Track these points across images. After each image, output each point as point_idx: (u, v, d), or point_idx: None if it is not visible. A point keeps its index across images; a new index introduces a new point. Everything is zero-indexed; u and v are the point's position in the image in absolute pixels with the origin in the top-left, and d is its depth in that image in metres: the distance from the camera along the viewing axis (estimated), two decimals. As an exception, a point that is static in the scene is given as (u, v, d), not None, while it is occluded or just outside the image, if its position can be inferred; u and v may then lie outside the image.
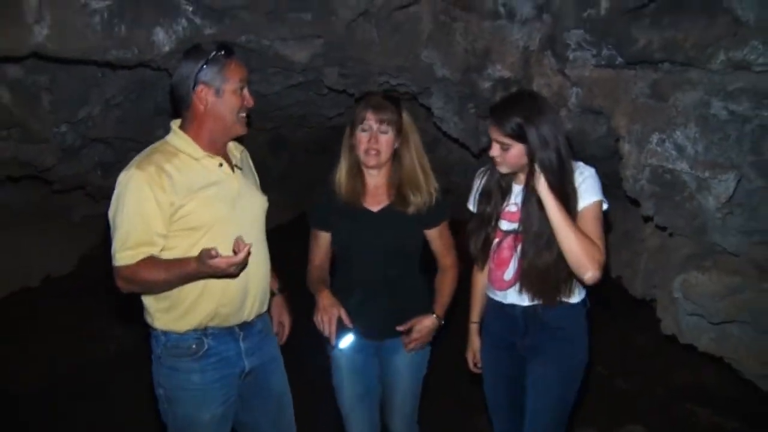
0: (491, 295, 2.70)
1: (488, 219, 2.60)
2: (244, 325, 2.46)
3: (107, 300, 5.24)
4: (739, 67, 2.63)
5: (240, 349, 2.45)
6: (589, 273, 2.32)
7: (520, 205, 2.52)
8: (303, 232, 2.85)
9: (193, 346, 2.35)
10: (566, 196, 2.36)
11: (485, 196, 2.64)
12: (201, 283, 2.28)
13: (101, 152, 4.36)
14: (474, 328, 2.85)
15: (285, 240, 3.05)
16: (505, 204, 2.59)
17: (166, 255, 2.26)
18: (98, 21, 2.87)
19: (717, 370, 4.22)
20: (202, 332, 2.36)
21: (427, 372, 2.91)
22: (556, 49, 3.18)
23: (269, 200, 2.60)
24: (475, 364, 2.85)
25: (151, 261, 2.21)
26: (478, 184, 2.71)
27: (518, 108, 2.40)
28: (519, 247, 2.51)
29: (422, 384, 2.91)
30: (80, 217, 5.89)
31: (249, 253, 2.09)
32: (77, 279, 6.13)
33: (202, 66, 2.27)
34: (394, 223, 2.68)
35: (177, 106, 2.41)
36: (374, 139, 2.61)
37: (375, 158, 2.62)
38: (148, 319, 2.40)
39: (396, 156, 2.71)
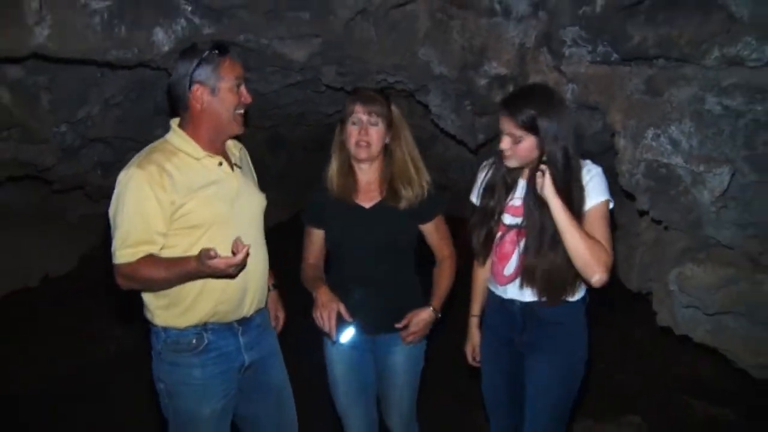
0: (492, 289, 2.68)
1: (492, 213, 2.56)
2: (243, 321, 2.47)
3: (107, 300, 5.24)
4: (733, 63, 2.65)
5: (239, 344, 2.46)
6: (596, 276, 2.30)
7: (523, 200, 2.50)
8: (301, 230, 2.85)
9: (194, 342, 2.36)
10: (572, 194, 2.34)
11: (489, 189, 2.60)
12: (201, 281, 2.29)
13: (100, 152, 4.37)
14: (474, 321, 2.83)
15: (283, 238, 3.06)
16: (509, 198, 2.56)
17: (167, 253, 2.27)
18: (98, 21, 2.88)
19: (713, 363, 4.21)
20: (202, 328, 2.37)
21: (424, 366, 2.88)
22: (552, 45, 3.19)
23: (268, 198, 2.61)
24: (474, 359, 2.83)
25: (151, 259, 2.22)
26: (482, 177, 2.67)
27: (532, 100, 2.37)
28: (522, 242, 2.48)
29: (420, 379, 2.88)
30: (79, 217, 5.90)
31: (248, 254, 2.11)
32: (77, 279, 6.12)
33: (197, 65, 2.27)
34: (387, 219, 2.67)
35: (175, 105, 2.42)
36: (364, 131, 2.59)
37: (365, 150, 2.61)
38: (148, 316, 2.41)
39: (387, 151, 2.70)
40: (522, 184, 2.52)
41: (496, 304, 2.67)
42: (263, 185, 2.65)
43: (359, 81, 3.89)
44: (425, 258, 2.84)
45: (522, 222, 2.48)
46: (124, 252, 2.22)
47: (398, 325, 2.67)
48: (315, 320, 2.56)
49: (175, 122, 2.41)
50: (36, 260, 5.85)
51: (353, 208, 2.69)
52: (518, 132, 2.35)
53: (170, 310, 2.34)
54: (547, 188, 2.30)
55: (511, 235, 2.52)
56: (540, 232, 2.40)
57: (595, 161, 2.45)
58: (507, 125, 2.38)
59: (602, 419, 4.10)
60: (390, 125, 2.65)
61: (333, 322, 2.50)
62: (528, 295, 2.51)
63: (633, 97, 2.95)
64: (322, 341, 2.80)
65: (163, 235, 2.25)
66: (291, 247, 2.83)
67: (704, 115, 2.77)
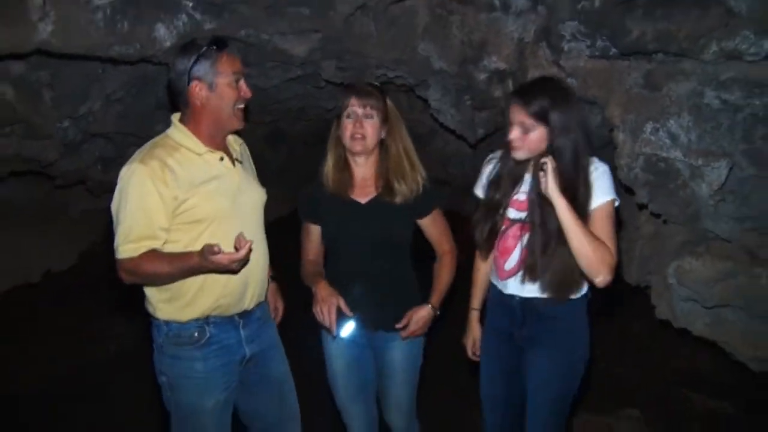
0: (494, 282, 2.67)
1: (496, 206, 2.53)
2: (244, 314, 2.48)
3: (107, 297, 5.27)
4: (731, 57, 2.66)
5: (240, 337, 2.48)
6: (600, 277, 2.30)
7: (528, 195, 2.47)
8: (300, 225, 2.85)
9: (195, 335, 2.37)
10: (578, 191, 2.32)
11: (495, 183, 2.57)
12: (202, 275, 2.30)
13: (101, 147, 4.39)
14: (474, 315, 2.81)
15: (283, 233, 3.06)
16: (514, 192, 2.53)
17: (169, 248, 2.28)
18: (101, 17, 2.90)
19: (712, 356, 4.22)
20: (204, 321, 2.38)
21: (424, 362, 2.87)
22: (551, 40, 3.20)
23: (268, 193, 2.62)
24: (473, 353, 2.82)
25: (153, 254, 2.23)
26: (487, 170, 2.65)
27: (546, 91, 2.36)
28: (525, 237, 2.47)
29: (419, 376, 2.88)
30: (80, 212, 5.91)
31: (250, 250, 2.12)
32: (77, 275, 6.12)
33: (195, 61, 2.27)
34: (383, 214, 2.66)
35: (175, 101, 2.43)
36: (359, 124, 2.58)
37: (360, 143, 2.59)
38: (150, 309, 2.42)
39: (383, 146, 2.69)
40: (528, 178, 2.49)
41: (496, 298, 2.66)
42: (263, 180, 2.66)
43: (359, 76, 3.90)
44: (425, 253, 2.83)
45: (526, 217, 2.46)
46: (127, 247, 2.23)
47: (398, 326, 2.67)
48: (315, 315, 2.56)
49: (176, 117, 2.42)
50: (37, 256, 5.84)
51: (349, 203, 2.69)
52: (529, 121, 2.33)
53: (172, 303, 2.35)
54: (551, 187, 2.28)
55: (514, 230, 2.50)
56: (544, 228, 2.37)
57: (601, 159, 2.43)
58: (518, 114, 2.35)
59: (601, 412, 4.11)
60: (386, 119, 2.65)
61: (333, 316, 2.51)
62: (529, 291, 2.49)
63: (632, 92, 2.95)
64: (321, 337, 2.81)
65: (166, 230, 2.26)
66: (291, 242, 2.83)
67: (703, 109, 2.78)
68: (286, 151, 6.89)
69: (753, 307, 2.94)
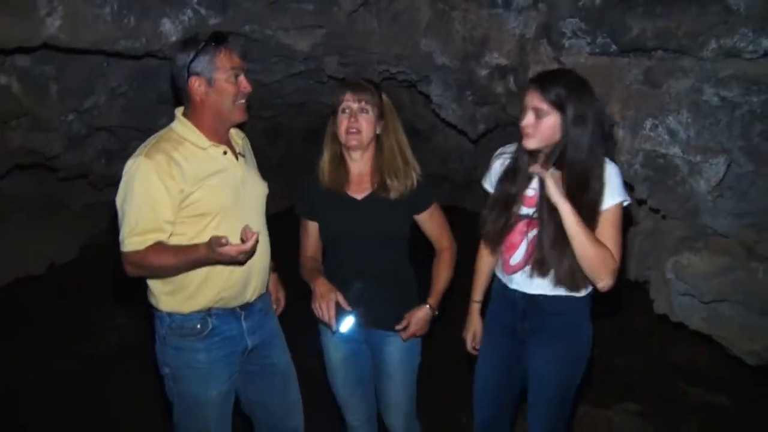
0: (499, 275, 2.66)
1: (506, 201, 2.50)
2: (246, 305, 2.51)
3: (108, 290, 5.29)
4: (730, 55, 2.67)
5: (242, 328, 2.50)
6: (602, 282, 2.31)
7: (538, 191, 2.45)
8: (298, 221, 2.86)
9: (198, 326, 2.40)
10: (589, 185, 2.30)
11: (505, 178, 2.54)
12: (206, 268, 2.32)
13: (105, 140, 4.40)
14: (475, 307, 2.80)
15: (282, 227, 3.07)
16: (524, 188, 2.50)
17: (174, 241, 2.30)
18: (108, 12, 2.92)
19: (709, 351, 4.25)
20: (206, 313, 2.41)
21: (422, 362, 2.85)
22: (552, 37, 3.21)
23: (268, 188, 2.64)
24: (474, 347, 2.81)
25: (159, 247, 2.25)
26: (496, 164, 2.63)
27: (564, 79, 2.34)
28: (531, 233, 2.46)
29: (417, 375, 2.86)
30: (82, 206, 5.92)
31: (256, 241, 2.13)
32: (79, 268, 6.13)
33: (194, 57, 2.29)
34: (379, 210, 2.65)
35: (178, 96, 2.45)
36: (354, 118, 2.57)
37: (356, 137, 2.58)
38: (153, 301, 2.44)
39: (379, 142, 2.68)
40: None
41: (500, 292, 2.66)
42: (263, 175, 2.68)
43: (361, 71, 3.92)
44: (425, 249, 2.84)
45: (534, 213, 2.45)
46: (133, 240, 2.24)
47: (398, 327, 2.67)
48: (314, 311, 2.57)
49: (179, 111, 2.43)
50: (40, 249, 5.85)
51: (345, 199, 2.68)
52: (544, 106, 2.30)
53: (175, 295, 2.37)
54: (554, 192, 2.28)
55: (521, 226, 2.49)
56: (553, 224, 2.36)
57: (612, 160, 2.42)
58: (533, 99, 2.33)
59: (600, 405, 4.13)
60: (381, 115, 2.64)
61: (332, 312, 2.51)
62: (534, 287, 2.50)
63: (631, 88, 2.96)
64: (319, 332, 2.82)
65: (171, 223, 2.28)
66: (289, 237, 2.84)
67: (701, 106, 2.78)
68: (284, 146, 6.90)
69: (750, 301, 2.95)
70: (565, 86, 2.30)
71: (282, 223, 3.15)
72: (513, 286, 2.56)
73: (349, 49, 3.67)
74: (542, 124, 2.32)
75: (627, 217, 2.56)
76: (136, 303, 2.61)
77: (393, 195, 2.62)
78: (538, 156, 2.44)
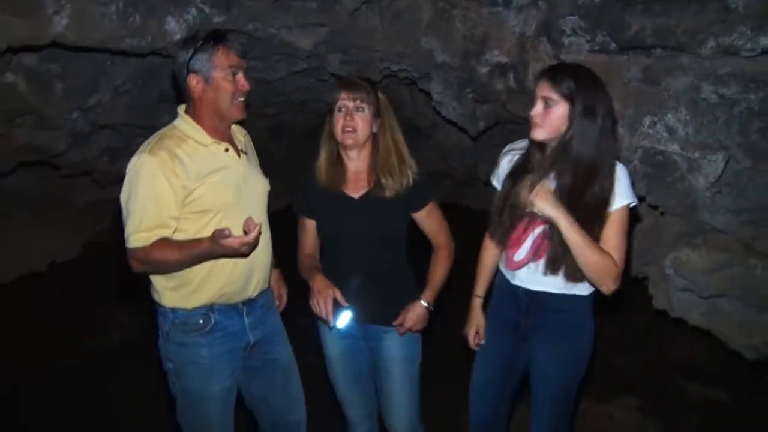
0: (502, 271, 2.67)
1: (513, 199, 2.48)
2: (248, 301, 2.53)
3: (111, 287, 5.32)
4: (728, 53, 2.67)
5: (244, 324, 2.53)
6: (605, 287, 2.34)
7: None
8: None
9: (201, 322, 2.42)
10: (593, 182, 2.30)
11: (513, 175, 2.54)
12: (209, 263, 2.35)
13: (109, 138, 4.41)
14: (478, 302, 2.77)
15: (284, 225, 3.09)
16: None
17: (178, 237, 2.32)
18: (114, 11, 2.94)
19: (708, 347, 4.28)
20: (209, 308, 2.43)
21: (422, 362, 2.85)
22: (552, 35, 3.22)
23: (270, 185, 2.66)
24: (476, 343, 2.77)
25: (164, 242, 2.27)
26: (505, 161, 2.63)
27: (576, 72, 2.35)
28: (537, 230, 2.45)
29: (419, 376, 2.85)
30: (85, 203, 5.93)
31: (259, 233, 2.16)
32: (81, 266, 6.13)
33: (192, 55, 2.31)
34: (375, 209, 2.66)
35: (179, 93, 2.47)
36: (350, 117, 2.58)
37: (352, 136, 2.59)
38: (156, 297, 2.47)
39: (375, 140, 2.68)
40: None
41: (503, 287, 2.66)
42: (265, 172, 2.69)
43: (364, 69, 3.94)
44: (422, 248, 2.83)
45: None
46: (139, 236, 2.27)
47: (395, 323, 2.68)
48: (312, 308, 2.59)
49: (182, 109, 2.46)
50: (42, 246, 5.85)
51: (342, 198, 2.69)
52: (554, 96, 2.30)
53: (178, 291, 2.40)
54: (548, 209, 2.28)
55: (527, 222, 2.48)
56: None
57: (619, 159, 2.42)
58: (543, 89, 2.33)
59: (601, 401, 4.17)
60: (378, 113, 2.65)
61: (329, 308, 2.53)
62: (537, 284, 2.51)
63: (630, 86, 2.97)
64: (318, 329, 2.84)
65: (176, 218, 2.30)
66: (292, 234, 2.86)
67: (700, 103, 2.80)
68: (287, 144, 6.89)
69: (748, 297, 2.97)
70: (576, 78, 2.30)
71: (284, 220, 3.16)
72: (516, 282, 2.57)
73: (351, 47, 3.69)
74: (551, 114, 2.32)
75: (634, 217, 2.56)
76: (138, 300, 2.63)
77: (389, 193, 2.63)
78: (546, 150, 2.44)
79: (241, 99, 2.41)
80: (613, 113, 2.39)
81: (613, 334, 4.90)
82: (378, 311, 2.71)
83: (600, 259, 2.30)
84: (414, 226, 2.78)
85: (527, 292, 2.55)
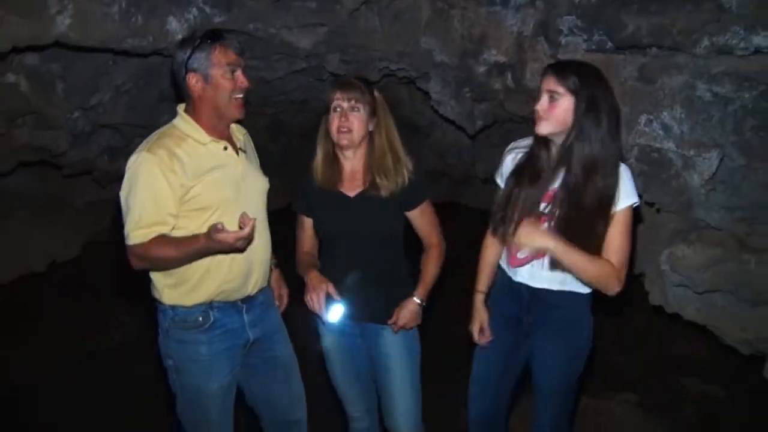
0: (504, 267, 2.68)
1: (517, 197, 2.49)
2: (247, 299, 2.54)
3: (111, 286, 5.31)
4: (722, 52, 2.69)
5: (244, 321, 2.54)
6: (610, 291, 2.37)
7: (551, 186, 2.44)
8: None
9: (200, 319, 2.43)
10: (595, 180, 2.30)
11: (517, 173, 2.54)
12: (207, 260, 2.36)
13: (109, 138, 4.43)
14: (480, 298, 2.76)
15: (284, 223, 3.09)
16: (539, 184, 2.47)
17: (177, 234, 2.33)
18: (116, 11, 2.96)
19: (705, 344, 4.32)
20: (208, 306, 2.44)
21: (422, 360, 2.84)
22: (549, 34, 3.24)
23: (270, 184, 2.67)
24: (481, 338, 2.75)
25: (162, 239, 2.28)
26: (509, 159, 2.62)
27: (582, 68, 2.36)
28: (542, 227, 2.40)
29: (419, 372, 2.83)
30: (85, 203, 5.94)
31: (254, 228, 2.16)
32: (81, 266, 6.15)
33: (190, 54, 2.32)
34: (370, 208, 2.66)
35: (179, 93, 2.49)
36: (345, 117, 2.58)
37: (347, 136, 2.59)
38: (156, 295, 2.48)
39: (371, 139, 2.68)
40: (551, 170, 2.46)
41: (505, 284, 2.67)
42: (264, 171, 2.70)
43: (363, 69, 3.96)
44: (417, 248, 2.83)
45: (545, 208, 2.44)
46: (138, 233, 2.28)
47: (389, 322, 2.69)
48: (307, 303, 2.61)
49: (181, 108, 2.47)
50: (42, 246, 5.85)
51: (338, 197, 2.70)
52: (560, 89, 2.30)
53: (177, 288, 2.41)
54: (539, 240, 2.28)
55: (530, 220, 2.42)
56: (568, 221, 2.36)
57: (623, 160, 2.43)
58: (549, 83, 2.33)
59: (601, 397, 4.18)
60: (374, 113, 2.64)
61: (322, 302, 2.55)
62: (539, 281, 2.52)
63: (627, 84, 2.98)
64: (318, 328, 2.84)
65: (175, 216, 2.32)
66: (291, 233, 2.87)
67: (695, 101, 2.81)
68: (286, 143, 6.90)
69: (742, 292, 2.99)
70: (581, 73, 2.31)
71: (283, 219, 3.17)
72: (518, 278, 2.59)
73: (350, 46, 3.71)
74: (556, 108, 2.32)
75: (636, 217, 2.57)
76: (138, 300, 2.62)
77: (384, 193, 2.63)
78: (551, 147, 2.45)
79: (240, 96, 2.42)
80: (618, 113, 2.40)
81: (613, 332, 4.90)
82: (375, 309, 2.72)
83: (599, 270, 2.33)
84: (408, 225, 2.78)
85: (529, 288, 2.56)
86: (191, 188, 2.32)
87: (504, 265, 2.69)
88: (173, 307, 2.44)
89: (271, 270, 2.75)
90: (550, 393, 2.66)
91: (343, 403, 2.96)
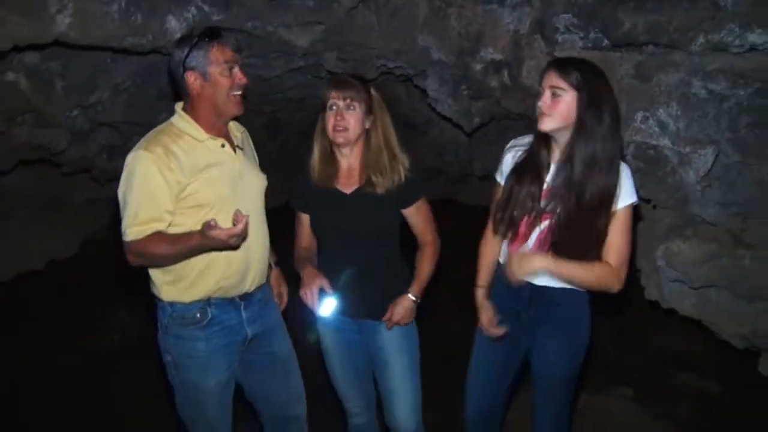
0: (503, 263, 2.65)
1: (517, 195, 2.49)
2: (245, 296, 2.55)
3: (110, 285, 5.30)
4: (718, 49, 2.71)
5: (242, 318, 2.54)
6: (611, 291, 2.40)
7: (550, 183, 2.44)
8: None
9: (198, 316, 2.44)
10: (594, 177, 2.30)
11: (517, 170, 2.53)
12: (205, 257, 2.37)
13: (107, 136, 4.43)
14: (481, 292, 2.74)
15: (282, 221, 3.09)
16: (536, 181, 2.47)
17: (173, 231, 2.34)
18: (116, 9, 2.97)
19: (700, 339, 4.35)
20: (206, 302, 2.45)
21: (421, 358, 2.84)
22: (546, 32, 3.25)
23: (268, 181, 2.68)
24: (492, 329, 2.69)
25: (158, 236, 2.30)
26: (509, 157, 2.60)
27: (583, 64, 2.35)
28: (543, 224, 2.45)
29: (419, 368, 2.83)
30: (83, 201, 5.95)
31: (247, 224, 2.15)
32: (80, 263, 6.15)
33: (188, 52, 2.33)
34: (366, 205, 2.66)
35: (177, 91, 2.50)
36: (340, 116, 2.58)
37: (342, 135, 2.59)
38: (155, 291, 2.49)
39: (368, 136, 2.68)
40: (554, 168, 2.46)
41: (503, 279, 2.62)
42: (262, 169, 2.71)
43: (360, 67, 3.97)
44: (413, 246, 2.83)
45: (546, 206, 2.44)
46: (134, 230, 2.29)
47: (383, 318, 2.70)
48: (302, 298, 2.61)
49: (179, 106, 2.48)
50: (41, 245, 5.85)
51: (334, 194, 2.70)
52: (563, 84, 2.30)
53: (175, 285, 2.42)
54: (529, 268, 2.34)
55: (532, 217, 2.48)
56: (569, 217, 2.37)
57: (623, 158, 2.44)
58: (552, 80, 2.32)
59: (597, 392, 4.19)
60: (370, 110, 2.65)
61: (315, 296, 2.56)
62: (540, 278, 2.51)
63: (623, 82, 3.00)
64: (317, 325, 2.84)
65: (171, 213, 2.33)
66: (289, 230, 2.87)
67: (690, 98, 2.83)
68: (283, 141, 6.90)
69: (737, 287, 3.02)
70: (583, 69, 2.31)
71: (281, 217, 3.17)
72: None
73: (348, 44, 3.72)
74: (559, 104, 2.32)
75: (636, 215, 2.59)
76: (137, 297, 2.62)
77: (379, 190, 2.64)
78: (553, 146, 2.46)
79: (238, 93, 2.43)
80: (618, 109, 2.39)
81: (609, 327, 4.92)
82: (371, 306, 2.73)
83: (597, 276, 2.37)
84: (404, 222, 2.78)
85: (530, 285, 2.55)
86: (188, 185, 2.33)
87: (503, 261, 2.68)
88: (171, 304, 2.45)
89: (271, 268, 2.76)
90: (551, 387, 2.67)
91: (342, 398, 2.97)
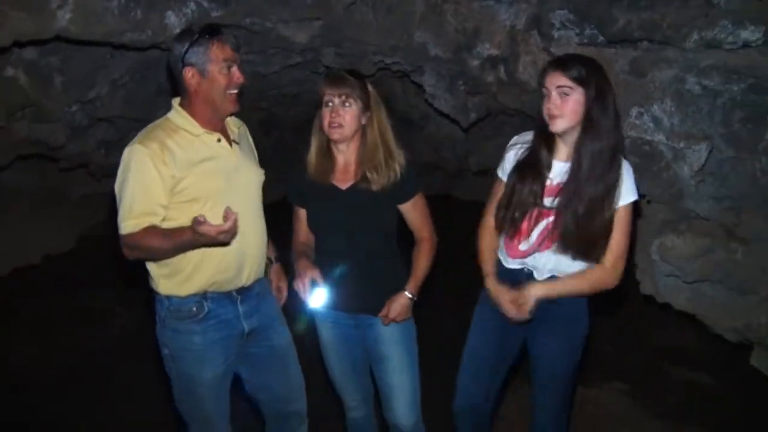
0: (501, 258, 2.65)
1: (520, 192, 2.47)
2: (242, 290, 2.54)
3: (107, 280, 5.30)
4: (711, 46, 2.73)
5: (238, 312, 2.54)
6: (612, 287, 2.43)
7: (555, 181, 2.43)
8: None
9: (194, 309, 2.44)
10: (600, 174, 2.31)
11: (521, 168, 2.51)
12: (200, 251, 2.37)
13: (105, 131, 4.44)
14: (492, 280, 2.64)
15: (280, 216, 3.10)
16: (539, 179, 2.46)
17: (168, 225, 2.34)
18: (116, 5, 2.98)
19: (693, 333, 4.37)
20: (202, 296, 2.45)
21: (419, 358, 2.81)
22: (542, 28, 3.27)
23: (265, 176, 2.68)
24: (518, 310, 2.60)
25: (152, 230, 2.30)
26: (511, 154, 2.59)
27: (584, 60, 2.35)
28: (544, 222, 2.44)
29: (417, 364, 2.81)
30: (79, 197, 5.95)
31: (236, 221, 2.14)
32: (76, 258, 6.15)
33: (188, 49, 2.33)
34: (362, 201, 2.64)
35: (174, 86, 2.50)
36: (336, 112, 2.56)
37: (338, 131, 2.57)
38: (152, 285, 2.49)
39: (365, 132, 2.65)
40: (556, 165, 2.45)
41: (503, 273, 2.64)
42: (261, 164, 2.70)
43: (357, 62, 3.98)
44: (409, 241, 2.82)
45: (551, 203, 2.43)
46: (129, 223, 2.30)
47: (379, 315, 2.70)
48: (296, 290, 2.61)
49: (176, 101, 2.48)
50: (39, 240, 5.86)
51: (330, 189, 2.68)
52: (569, 82, 2.28)
53: (171, 279, 2.43)
54: (530, 301, 2.41)
55: (534, 214, 2.47)
56: (575, 214, 2.36)
57: (625, 156, 2.45)
58: (556, 80, 2.31)
59: (590, 385, 4.21)
60: (366, 106, 2.63)
61: (307, 287, 2.56)
62: (540, 273, 2.52)
63: (618, 78, 3.00)
64: (315, 320, 2.85)
65: (165, 207, 2.33)
66: (287, 225, 2.86)
67: (684, 94, 2.85)
68: (277, 137, 6.91)
69: (730, 281, 3.05)
70: (585, 65, 2.31)
71: (279, 211, 3.19)
72: (518, 268, 2.60)
73: (345, 40, 3.73)
74: (569, 102, 2.31)
75: (636, 212, 2.58)
76: (134, 293, 2.62)
77: (374, 187, 2.62)
78: (558, 144, 2.45)
79: (234, 91, 2.43)
80: (617, 105, 2.39)
81: (604, 322, 4.92)
82: (367, 301, 2.71)
83: (590, 283, 2.42)
84: (401, 218, 2.76)
85: (530, 279, 2.54)
86: (181, 180, 2.33)
87: (501, 256, 2.68)
88: (168, 297, 2.46)
89: (271, 262, 2.76)
90: (551, 384, 2.69)
91: (340, 392, 2.97)
